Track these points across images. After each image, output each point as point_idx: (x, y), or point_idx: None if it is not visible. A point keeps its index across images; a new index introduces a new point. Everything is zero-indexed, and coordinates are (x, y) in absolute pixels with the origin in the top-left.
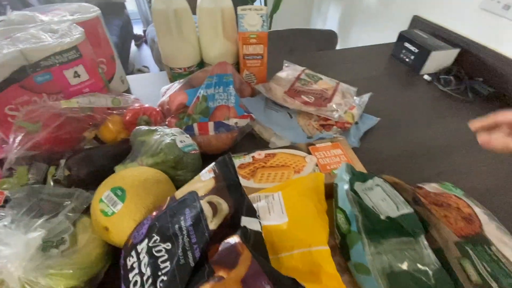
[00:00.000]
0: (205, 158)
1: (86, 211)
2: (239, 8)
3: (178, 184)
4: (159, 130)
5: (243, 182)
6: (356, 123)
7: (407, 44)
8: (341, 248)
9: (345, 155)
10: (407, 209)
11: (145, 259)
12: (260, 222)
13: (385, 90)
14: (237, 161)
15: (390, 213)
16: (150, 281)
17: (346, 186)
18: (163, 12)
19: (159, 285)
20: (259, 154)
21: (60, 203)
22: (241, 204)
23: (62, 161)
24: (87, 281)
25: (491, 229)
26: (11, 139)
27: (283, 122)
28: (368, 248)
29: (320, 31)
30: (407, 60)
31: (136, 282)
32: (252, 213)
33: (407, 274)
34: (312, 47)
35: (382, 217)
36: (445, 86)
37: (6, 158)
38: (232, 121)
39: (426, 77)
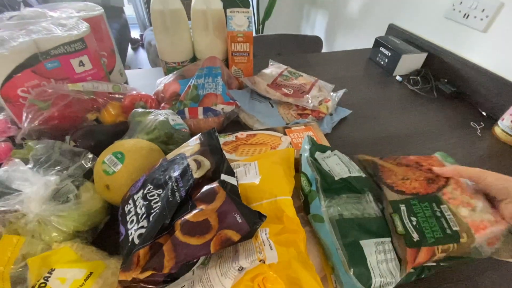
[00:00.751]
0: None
1: (89, 177)
2: (228, 10)
3: None
4: (154, 112)
5: (227, 155)
6: (331, 114)
7: (382, 49)
8: (304, 206)
9: (315, 136)
10: (358, 173)
11: (140, 203)
12: (236, 180)
13: (361, 88)
14: (222, 139)
15: (343, 174)
16: (144, 216)
17: (307, 154)
18: (160, 12)
19: (152, 217)
20: (242, 134)
21: (70, 160)
22: (221, 164)
23: (67, 137)
24: (89, 228)
25: (459, 191)
26: (24, 114)
27: (265, 111)
28: (324, 202)
29: (306, 37)
30: (382, 63)
31: (132, 220)
32: (231, 173)
33: (352, 219)
34: (299, 50)
35: (336, 178)
36: (414, 86)
37: (15, 136)
38: (219, 107)
39: (398, 77)
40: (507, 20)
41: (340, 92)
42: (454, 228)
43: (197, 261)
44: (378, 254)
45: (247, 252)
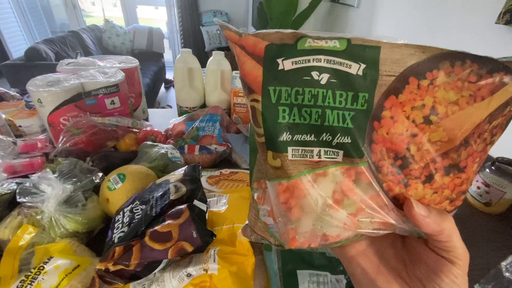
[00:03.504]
0: None
1: (97, 192)
2: (233, 71)
3: None
4: (159, 145)
5: (209, 187)
6: None
7: None
8: None
9: None
10: None
11: (126, 213)
12: (207, 207)
13: None
14: (209, 173)
15: None
16: (126, 224)
17: None
18: (181, 69)
19: (131, 225)
20: (226, 171)
21: (85, 174)
22: (197, 192)
23: (88, 158)
24: (86, 231)
25: None
26: (61, 137)
27: None
28: None
29: None
30: None
31: (118, 227)
32: (203, 200)
33: (296, 252)
34: None
35: None
36: None
37: (50, 153)
38: (213, 147)
39: None
40: None
41: None
42: None
43: (158, 265)
44: (311, 284)
45: (196, 263)
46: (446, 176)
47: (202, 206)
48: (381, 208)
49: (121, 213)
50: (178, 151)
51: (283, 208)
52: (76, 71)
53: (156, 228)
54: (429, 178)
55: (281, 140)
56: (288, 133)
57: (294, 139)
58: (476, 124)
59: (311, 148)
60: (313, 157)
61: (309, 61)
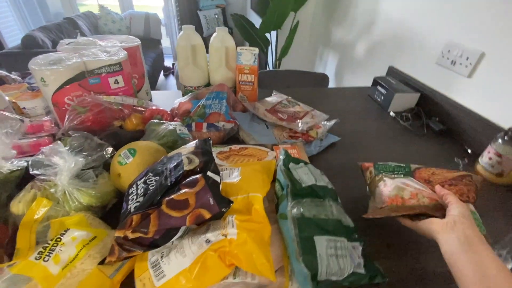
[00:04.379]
0: None
1: (107, 169)
2: (238, 47)
3: None
4: (166, 123)
5: (220, 162)
6: (321, 139)
7: (379, 87)
8: (276, 207)
9: (298, 154)
10: (324, 184)
11: (140, 186)
12: (220, 178)
13: (355, 120)
14: (218, 149)
15: (309, 182)
16: (141, 195)
17: (281, 163)
18: (184, 46)
19: (146, 195)
20: (235, 147)
21: (95, 149)
22: (209, 164)
23: (96, 137)
24: (100, 205)
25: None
26: (67, 115)
27: (261, 131)
28: (290, 203)
29: (314, 74)
30: (378, 99)
31: (133, 198)
32: (216, 172)
33: (311, 219)
34: (307, 85)
35: (303, 185)
36: (405, 122)
37: (56, 133)
38: (221, 124)
39: (391, 114)
40: (488, 68)
41: (332, 122)
42: None
43: (176, 233)
44: (329, 249)
45: (214, 229)
46: None
47: (216, 177)
48: None
49: (134, 186)
50: (186, 128)
51: None
52: (77, 51)
53: (172, 196)
54: None
55: None
56: None
57: None
58: None
59: None
60: None
61: None
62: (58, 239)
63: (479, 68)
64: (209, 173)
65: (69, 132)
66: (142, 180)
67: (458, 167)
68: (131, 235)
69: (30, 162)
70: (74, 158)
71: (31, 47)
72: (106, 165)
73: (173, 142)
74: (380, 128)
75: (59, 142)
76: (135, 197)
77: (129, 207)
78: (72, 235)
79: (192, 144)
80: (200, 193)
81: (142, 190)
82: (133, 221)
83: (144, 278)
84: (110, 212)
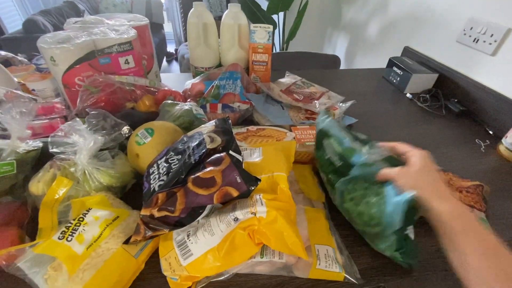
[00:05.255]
0: None
1: (123, 150)
2: (252, 25)
3: None
4: (180, 103)
5: (239, 143)
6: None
7: (395, 68)
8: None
9: None
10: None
11: (162, 164)
12: (242, 157)
13: (370, 102)
14: (235, 130)
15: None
16: (164, 174)
17: (329, 118)
18: (195, 24)
19: (170, 174)
20: (252, 128)
21: (113, 127)
22: (231, 143)
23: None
24: (120, 185)
25: None
26: (79, 96)
27: (276, 113)
28: (365, 149)
29: (325, 55)
30: (394, 81)
31: (155, 178)
32: (238, 151)
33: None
34: (318, 67)
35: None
36: (423, 103)
37: (68, 116)
38: (236, 105)
39: (408, 95)
40: None
41: (349, 103)
42: None
43: (202, 212)
44: None
45: (242, 207)
46: None
47: (238, 157)
48: None
49: (155, 165)
50: (201, 109)
51: None
52: (86, 29)
53: (198, 174)
54: None
55: None
56: None
57: None
58: None
59: None
60: None
61: None
62: (81, 219)
63: (505, 46)
64: (231, 152)
65: (87, 110)
66: (163, 159)
67: (479, 148)
68: (157, 214)
69: (49, 140)
70: (93, 136)
71: (32, 31)
72: (121, 146)
73: (189, 123)
74: (396, 110)
75: (77, 119)
76: (157, 176)
77: (151, 186)
78: (94, 215)
79: (211, 123)
80: (226, 171)
81: (164, 169)
82: (159, 199)
83: (169, 258)
84: (129, 193)
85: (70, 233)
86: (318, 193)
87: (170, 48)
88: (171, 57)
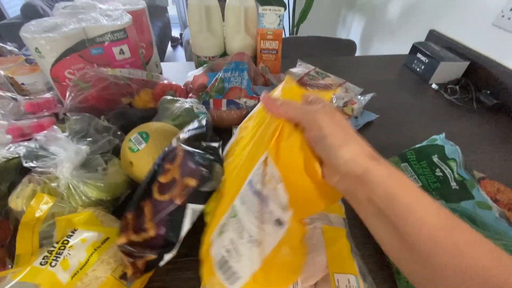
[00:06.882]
0: (216, 132)
1: (117, 154)
2: (260, 7)
3: None
4: (181, 100)
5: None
6: (356, 117)
7: (419, 55)
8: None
9: None
10: None
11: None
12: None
13: (391, 94)
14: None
15: None
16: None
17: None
18: (197, 7)
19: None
20: None
21: (101, 133)
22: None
23: (102, 117)
24: (111, 198)
25: None
26: (68, 92)
27: None
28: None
29: (340, 40)
30: (418, 69)
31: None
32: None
33: None
34: (331, 53)
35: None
36: (451, 95)
37: (59, 112)
38: (242, 100)
39: (434, 86)
40: None
41: (368, 96)
42: None
43: (182, 219)
44: None
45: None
46: None
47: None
48: None
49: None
50: (203, 106)
51: None
52: (75, 15)
53: (158, 178)
54: None
55: None
56: None
57: None
58: None
59: None
60: None
61: None
62: (65, 242)
63: None
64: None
65: (68, 114)
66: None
67: None
68: (136, 237)
69: (22, 154)
70: (75, 147)
71: (31, 16)
72: (117, 149)
73: (189, 123)
74: (420, 103)
75: (55, 127)
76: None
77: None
78: (81, 236)
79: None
80: (183, 162)
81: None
82: (128, 221)
83: (213, 285)
84: (123, 205)
85: (54, 258)
86: (337, 206)
87: (175, 33)
88: (176, 42)
